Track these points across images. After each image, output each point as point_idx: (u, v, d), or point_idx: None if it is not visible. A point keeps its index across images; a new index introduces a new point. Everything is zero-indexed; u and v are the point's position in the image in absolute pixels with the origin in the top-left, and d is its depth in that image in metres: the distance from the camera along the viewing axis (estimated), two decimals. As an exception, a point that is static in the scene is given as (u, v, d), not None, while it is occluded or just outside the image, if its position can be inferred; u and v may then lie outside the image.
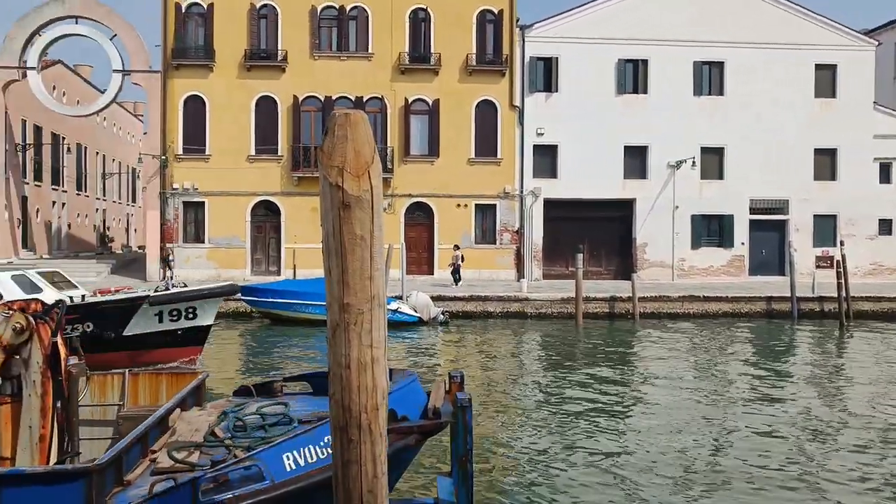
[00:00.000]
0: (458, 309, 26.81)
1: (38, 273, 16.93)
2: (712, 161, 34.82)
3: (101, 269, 34.09)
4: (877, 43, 36.22)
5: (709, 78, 34.95)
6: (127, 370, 8.58)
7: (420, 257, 33.78)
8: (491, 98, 34.03)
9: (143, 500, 5.42)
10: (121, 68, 32.63)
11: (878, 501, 9.03)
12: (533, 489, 9.31)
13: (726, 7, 34.53)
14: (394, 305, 23.88)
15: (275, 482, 5.65)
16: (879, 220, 35.60)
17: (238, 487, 5.54)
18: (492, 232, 34.31)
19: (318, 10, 33.35)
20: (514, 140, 34.11)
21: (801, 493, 9.24)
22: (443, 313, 25.60)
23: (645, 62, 34.43)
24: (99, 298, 16.38)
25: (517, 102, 34.09)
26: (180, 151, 32.92)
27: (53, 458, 6.46)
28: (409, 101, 33.71)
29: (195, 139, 33.02)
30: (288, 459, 5.80)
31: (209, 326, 17.21)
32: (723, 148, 34.77)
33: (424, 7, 33.71)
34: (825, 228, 35.30)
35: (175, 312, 16.43)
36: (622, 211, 34.79)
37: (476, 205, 34.07)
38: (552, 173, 34.22)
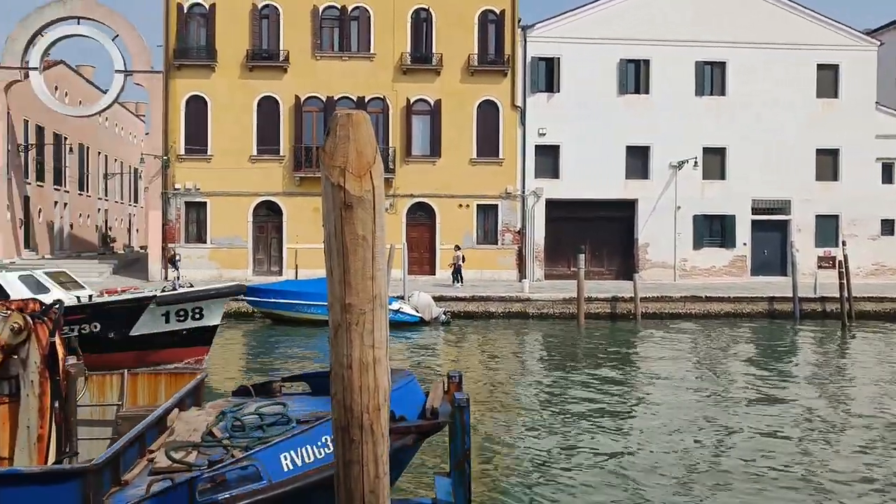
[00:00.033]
0: (459, 309, 26.81)
1: (46, 273, 16.90)
2: (714, 161, 34.80)
3: (103, 269, 34.12)
4: (879, 43, 36.18)
5: (711, 78, 34.94)
6: (126, 370, 8.57)
7: (422, 257, 33.78)
8: (493, 98, 34.02)
9: (140, 500, 5.41)
10: (123, 69, 32.66)
11: (881, 502, 9.02)
12: (535, 489, 9.30)
13: (728, 7, 34.51)
14: (395, 305, 23.88)
15: (272, 482, 5.64)
16: (882, 220, 35.58)
17: (235, 487, 5.53)
18: (493, 232, 34.30)
19: (320, 10, 33.37)
20: (516, 140, 34.11)
21: (804, 494, 9.23)
22: (444, 313, 25.60)
23: (647, 62, 34.42)
24: (106, 298, 16.36)
25: (519, 102, 34.08)
26: (182, 152, 32.94)
27: (52, 459, 6.46)
28: (411, 101, 33.71)
29: (197, 139, 33.05)
30: (285, 459, 5.80)
31: (216, 326, 17.23)
32: (725, 148, 34.75)
33: (426, 7, 33.72)
34: (827, 229, 35.27)
35: (182, 312, 16.44)
36: (624, 211, 34.77)
37: (478, 205, 34.07)
38: (554, 173, 34.21)
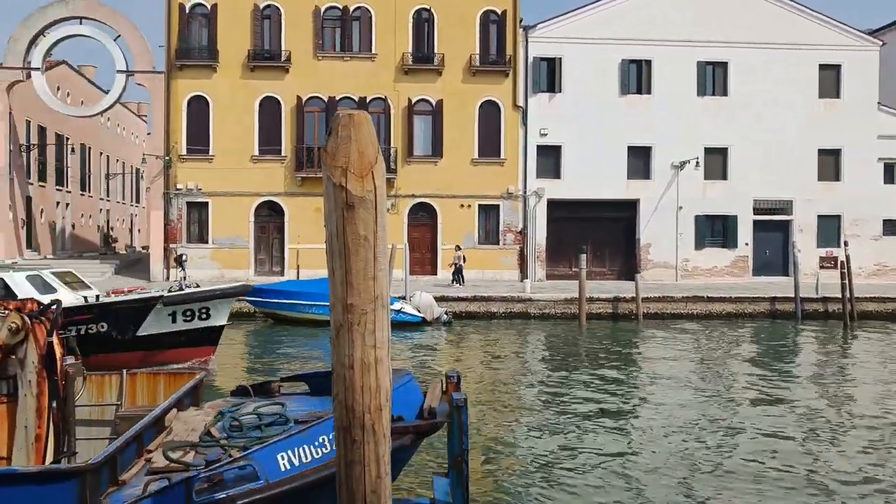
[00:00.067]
0: (461, 309, 26.81)
1: (52, 273, 16.91)
2: (716, 161, 34.78)
3: (105, 269, 34.15)
4: (881, 43, 36.14)
5: (712, 78, 34.91)
6: (125, 370, 8.57)
7: (423, 258, 33.78)
8: (494, 98, 34.02)
9: (137, 500, 5.41)
10: (125, 69, 32.69)
11: (885, 502, 9.01)
12: (536, 489, 9.30)
13: (730, 7, 34.48)
14: (397, 306, 23.88)
15: (269, 482, 5.64)
16: (884, 220, 35.53)
17: (232, 487, 5.53)
18: (495, 232, 34.30)
19: (322, 10, 33.38)
20: (518, 140, 34.10)
21: (806, 494, 9.21)
22: (446, 313, 25.60)
23: (648, 62, 34.41)
24: (113, 299, 16.41)
25: (521, 103, 34.08)
26: (184, 152, 32.96)
27: (50, 458, 6.46)
28: (413, 101, 33.71)
29: (199, 139, 33.07)
30: (282, 459, 5.79)
31: (222, 326, 17.27)
32: (726, 148, 34.72)
33: (428, 7, 33.72)
34: (829, 229, 35.23)
35: (189, 313, 16.48)
36: (626, 211, 34.75)
37: (479, 205, 34.07)
38: (556, 174, 34.21)
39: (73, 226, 45.35)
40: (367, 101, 33.27)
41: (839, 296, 26.81)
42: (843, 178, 35.29)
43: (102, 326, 15.51)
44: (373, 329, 4.20)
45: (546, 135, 34.01)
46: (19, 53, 32.34)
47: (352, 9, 33.43)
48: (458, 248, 31.76)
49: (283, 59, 33.21)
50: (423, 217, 33.96)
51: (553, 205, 34.17)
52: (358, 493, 4.29)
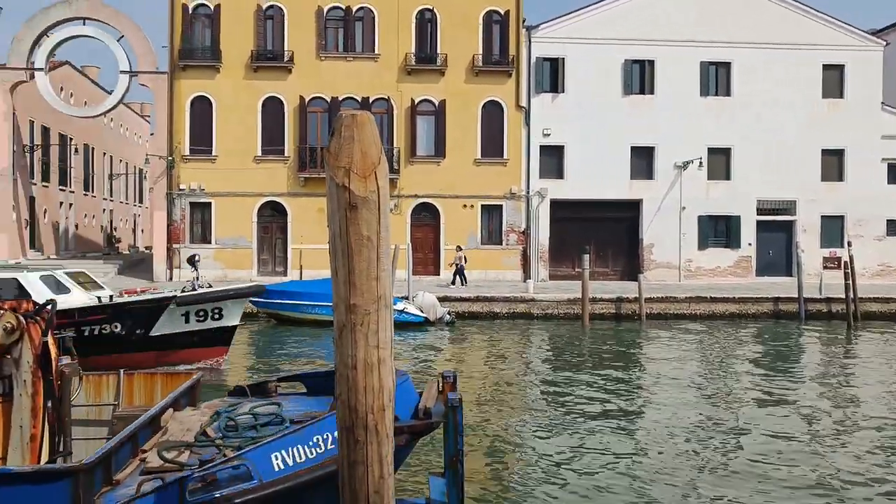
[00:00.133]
0: (464, 309, 26.81)
1: (66, 273, 16.92)
2: (719, 161, 34.75)
3: (108, 269, 34.15)
4: (885, 43, 36.08)
5: (715, 78, 34.88)
6: (122, 370, 8.57)
7: (426, 258, 33.79)
8: (497, 99, 34.02)
9: (131, 500, 5.41)
10: (128, 69, 32.75)
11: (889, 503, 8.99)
12: (540, 490, 9.29)
13: (733, 7, 34.45)
14: (400, 306, 23.88)
15: (263, 482, 5.64)
16: (887, 220, 35.47)
17: (226, 487, 5.53)
18: (498, 232, 34.30)
19: (325, 10, 33.40)
20: (521, 141, 34.10)
21: (811, 495, 9.19)
22: (449, 314, 25.60)
23: (651, 63, 34.38)
24: (126, 299, 16.43)
25: (523, 103, 34.07)
26: (187, 152, 33.01)
27: (45, 458, 6.46)
28: (416, 101, 33.72)
29: (202, 140, 33.11)
30: (276, 459, 5.79)
31: (235, 327, 17.30)
32: (729, 148, 34.69)
33: (431, 8, 33.73)
34: (832, 229, 35.18)
35: (202, 313, 16.51)
36: (629, 212, 34.73)
37: (482, 205, 34.07)
38: (558, 174, 34.20)
39: (77, 226, 45.41)
40: (370, 101, 33.30)
41: (843, 296, 26.75)
42: (847, 178, 35.24)
43: (116, 326, 15.55)
44: (376, 329, 4.20)
45: (549, 135, 34.00)
46: (23, 54, 32.40)
47: (354, 9, 33.45)
48: (459, 248, 31.73)
49: (285, 59, 33.24)
50: (425, 217, 33.97)
51: (556, 205, 34.16)
52: (361, 494, 4.28)
